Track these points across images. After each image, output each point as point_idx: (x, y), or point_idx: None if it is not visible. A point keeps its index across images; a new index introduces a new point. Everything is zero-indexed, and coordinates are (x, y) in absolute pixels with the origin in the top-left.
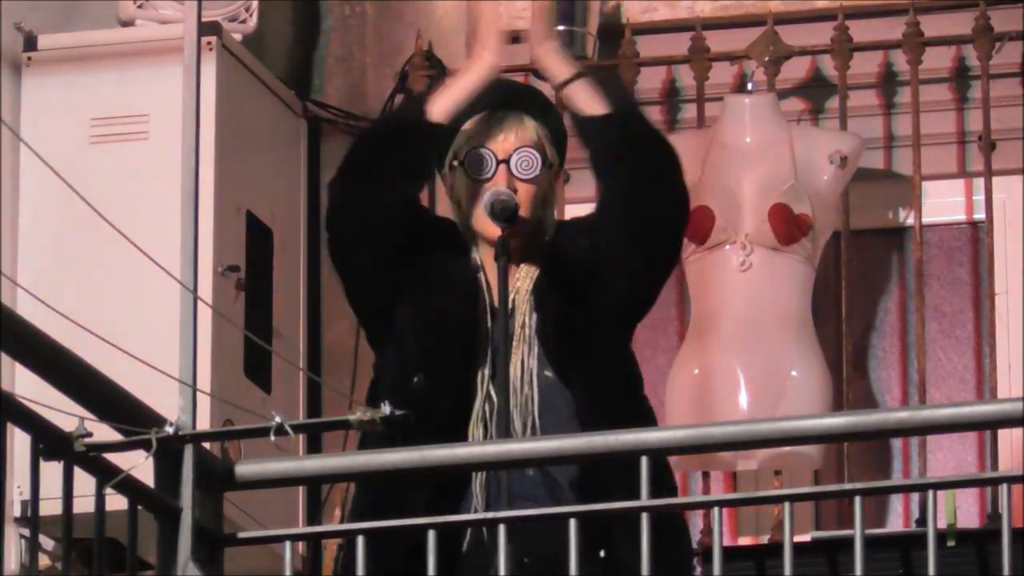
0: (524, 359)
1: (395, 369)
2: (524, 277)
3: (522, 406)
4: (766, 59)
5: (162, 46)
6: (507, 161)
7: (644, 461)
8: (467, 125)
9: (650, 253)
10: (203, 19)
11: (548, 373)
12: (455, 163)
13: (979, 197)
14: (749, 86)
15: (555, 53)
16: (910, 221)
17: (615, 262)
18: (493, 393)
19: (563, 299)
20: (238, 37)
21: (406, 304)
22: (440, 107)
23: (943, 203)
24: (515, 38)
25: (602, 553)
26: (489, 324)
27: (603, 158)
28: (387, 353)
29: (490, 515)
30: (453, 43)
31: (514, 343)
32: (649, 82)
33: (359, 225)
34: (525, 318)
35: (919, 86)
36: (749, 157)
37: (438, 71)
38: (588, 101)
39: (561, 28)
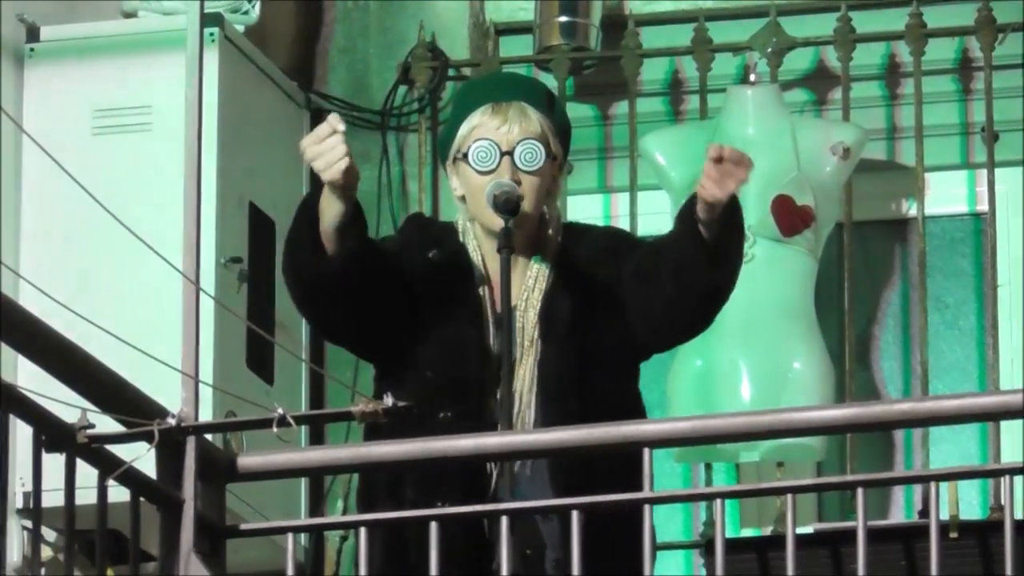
0: (528, 381)
1: (417, 400)
2: (535, 277)
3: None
4: (769, 50)
5: (165, 37)
6: (511, 153)
7: (646, 453)
8: (471, 117)
9: (694, 327)
10: (206, 10)
11: (548, 398)
12: (459, 155)
13: (982, 188)
14: (752, 77)
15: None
16: (913, 212)
17: (654, 326)
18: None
19: (571, 323)
20: (241, 28)
21: (417, 334)
22: (329, 245)
23: (946, 194)
24: (518, 30)
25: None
26: (492, 333)
27: (682, 270)
28: (403, 383)
29: (490, 507)
30: (456, 35)
31: (521, 358)
32: (652, 73)
33: (328, 329)
34: (534, 332)
35: (922, 77)
36: (752, 148)
37: (440, 63)
38: (711, 218)
39: (564, 19)
